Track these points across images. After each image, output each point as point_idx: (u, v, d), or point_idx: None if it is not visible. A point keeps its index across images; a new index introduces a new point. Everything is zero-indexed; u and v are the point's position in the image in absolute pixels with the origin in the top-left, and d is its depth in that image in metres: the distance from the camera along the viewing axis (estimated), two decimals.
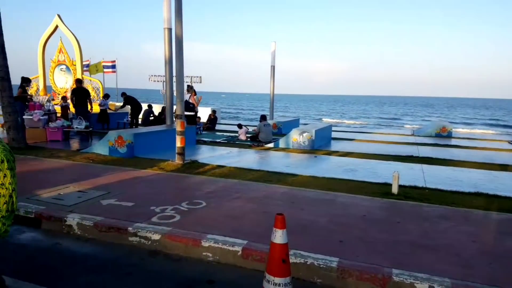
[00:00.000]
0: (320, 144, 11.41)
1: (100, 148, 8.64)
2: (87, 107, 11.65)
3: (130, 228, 4.11)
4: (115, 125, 14.64)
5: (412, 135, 16.59)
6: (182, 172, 7.06)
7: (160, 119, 13.93)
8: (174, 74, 9.40)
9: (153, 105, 18.83)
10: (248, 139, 12.20)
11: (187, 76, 23.31)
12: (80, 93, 11.32)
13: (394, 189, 5.93)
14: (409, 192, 6.06)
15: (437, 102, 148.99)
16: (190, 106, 14.95)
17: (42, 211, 4.53)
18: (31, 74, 24.29)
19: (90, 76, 24.65)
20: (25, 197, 5.02)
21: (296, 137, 10.79)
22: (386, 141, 13.43)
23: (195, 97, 13.78)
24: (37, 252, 3.86)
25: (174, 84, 9.16)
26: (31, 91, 24.59)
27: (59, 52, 23.85)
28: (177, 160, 7.64)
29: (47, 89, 24.38)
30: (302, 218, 4.61)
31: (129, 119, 14.30)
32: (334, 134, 14.24)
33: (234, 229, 4.18)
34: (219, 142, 11.78)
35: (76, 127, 10.36)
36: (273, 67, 21.78)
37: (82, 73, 23.41)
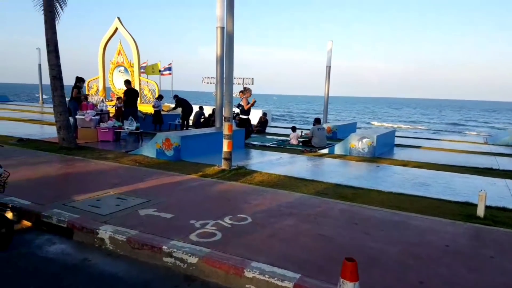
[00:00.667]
0: (382, 151, 10.32)
1: (148, 150, 8.38)
2: (137, 108, 11.60)
3: (165, 247, 3.57)
4: (167, 127, 14.58)
5: (485, 143, 14.77)
6: (227, 179, 6.49)
7: (210, 121, 13.61)
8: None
9: (204, 107, 18.75)
10: (300, 144, 11.43)
11: (239, 78, 23.05)
12: (130, 94, 11.29)
13: (480, 212, 4.87)
14: (497, 216, 4.97)
15: (499, 106, 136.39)
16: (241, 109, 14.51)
17: (75, 221, 4.15)
18: (90, 76, 25.59)
19: (147, 78, 25.35)
20: (62, 203, 4.71)
21: (355, 143, 9.82)
22: (457, 150, 11.95)
23: (247, 98, 13.21)
24: (63, 269, 3.44)
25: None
26: (91, 91, 26.02)
27: (118, 54, 24.71)
28: (223, 166, 7.10)
29: (106, 90, 25.47)
30: (368, 246, 3.79)
31: (180, 121, 14.15)
32: (396, 140, 12.98)
33: (283, 255, 3.48)
34: (269, 146, 11.14)
35: (127, 128, 10.27)
36: (328, 68, 20.77)
37: (139, 75, 24.10)
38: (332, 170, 7.97)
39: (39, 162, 7.23)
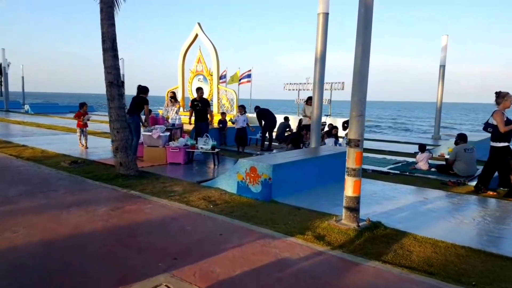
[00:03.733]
0: None
1: (226, 182, 5.96)
2: (207, 121, 9.38)
3: None
4: (247, 142, 12.19)
5: None
6: (361, 250, 3.68)
7: (299, 136, 10.91)
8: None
9: (289, 117, 16.16)
10: (433, 170, 8.13)
11: (326, 83, 20.09)
12: (203, 104, 9.12)
13: None
14: None
15: None
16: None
17: None
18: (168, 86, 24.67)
19: (226, 86, 23.70)
20: None
21: None
22: None
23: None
24: None
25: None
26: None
27: (198, 62, 23.44)
28: (345, 220, 4.31)
29: (185, 100, 24.36)
30: None
31: (261, 135, 11.68)
32: None
33: None
34: (387, 172, 8.04)
35: (201, 147, 8.05)
36: (442, 68, 16.82)
37: (218, 84, 22.53)
38: None
39: (76, 202, 5.18)
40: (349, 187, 4.31)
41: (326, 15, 7.90)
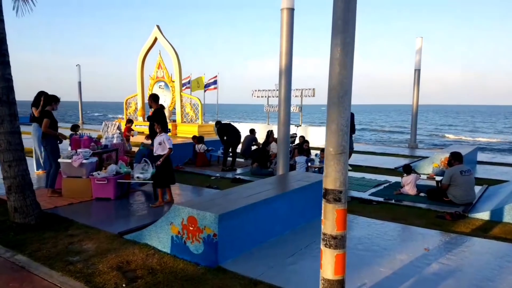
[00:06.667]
0: None
1: (156, 236, 4.27)
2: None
3: None
4: (205, 159, 10.46)
5: None
6: None
7: (265, 153, 9.36)
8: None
9: (256, 126, 14.60)
10: (422, 194, 6.78)
11: (297, 89, 18.76)
12: (158, 116, 6.73)
13: None
14: None
15: None
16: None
17: None
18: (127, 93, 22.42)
19: (191, 94, 21.86)
20: None
21: None
22: None
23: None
24: None
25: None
26: (129, 110, 23.03)
27: (158, 68, 21.48)
28: None
29: (146, 108, 22.28)
30: None
31: (223, 151, 10.06)
32: None
33: None
34: (370, 201, 6.61)
35: (137, 177, 6.30)
36: (417, 72, 15.81)
37: (181, 91, 20.66)
38: None
39: None
40: (328, 265, 2.75)
41: (291, 10, 6.41)
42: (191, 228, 3.93)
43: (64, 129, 10.49)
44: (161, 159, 5.78)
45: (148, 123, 7.04)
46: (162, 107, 6.81)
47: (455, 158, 6.45)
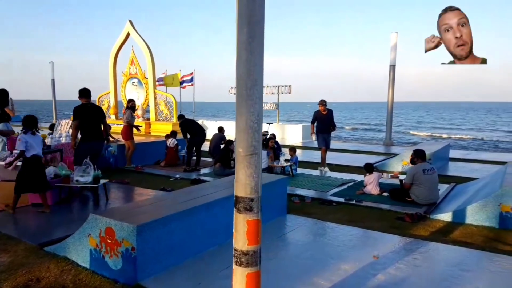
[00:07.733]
0: None
1: (75, 248, 3.79)
2: (102, 139, 6.85)
3: None
4: (175, 156, 9.89)
5: None
6: None
7: (228, 152, 8.92)
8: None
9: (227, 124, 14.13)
10: (385, 194, 6.45)
11: (273, 86, 18.37)
12: (83, 111, 6.26)
13: None
14: None
15: None
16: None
17: None
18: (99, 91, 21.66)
19: (166, 91, 21.21)
20: None
21: None
22: None
23: None
24: None
25: None
26: (103, 108, 22.18)
27: (131, 64, 20.76)
28: None
29: (119, 105, 21.53)
30: None
31: (187, 151, 9.57)
32: None
33: None
34: (329, 202, 6.25)
35: (77, 180, 5.77)
36: (392, 68, 15.60)
37: (155, 88, 20.02)
38: None
39: None
40: (239, 287, 2.33)
41: None
42: (109, 241, 3.47)
43: (44, 129, 9.90)
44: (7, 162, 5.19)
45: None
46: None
47: (417, 156, 6.14)
